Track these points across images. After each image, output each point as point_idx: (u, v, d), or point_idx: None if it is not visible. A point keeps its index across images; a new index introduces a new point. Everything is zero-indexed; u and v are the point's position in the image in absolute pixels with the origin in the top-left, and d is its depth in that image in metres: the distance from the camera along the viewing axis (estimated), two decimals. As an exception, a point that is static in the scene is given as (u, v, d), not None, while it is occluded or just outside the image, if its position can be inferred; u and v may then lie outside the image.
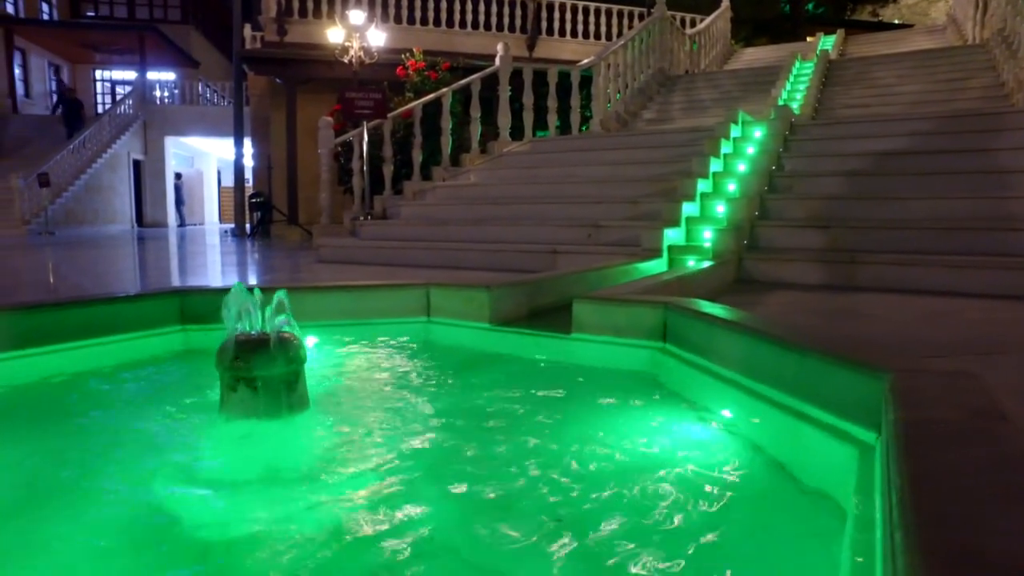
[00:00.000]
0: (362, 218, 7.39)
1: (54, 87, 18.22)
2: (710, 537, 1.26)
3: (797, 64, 9.43)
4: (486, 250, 5.47)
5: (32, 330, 2.51)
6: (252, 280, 5.55)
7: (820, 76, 8.97)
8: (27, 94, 21.40)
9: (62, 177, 16.39)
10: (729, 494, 1.42)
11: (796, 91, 8.59)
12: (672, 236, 4.65)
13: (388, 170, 7.98)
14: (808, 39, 16.46)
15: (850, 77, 9.23)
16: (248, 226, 12.93)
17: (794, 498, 1.40)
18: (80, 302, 2.81)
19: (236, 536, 1.28)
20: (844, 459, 1.36)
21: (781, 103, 7.75)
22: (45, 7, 23.14)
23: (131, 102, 20.56)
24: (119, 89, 24.40)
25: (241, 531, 1.29)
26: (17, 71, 20.64)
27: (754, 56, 14.69)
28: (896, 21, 25.36)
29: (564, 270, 3.69)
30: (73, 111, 17.64)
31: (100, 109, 22.93)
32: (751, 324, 1.82)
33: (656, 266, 4.35)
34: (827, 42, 13.21)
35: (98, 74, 25.31)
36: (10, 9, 20.84)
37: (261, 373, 1.57)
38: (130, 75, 23.34)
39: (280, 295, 1.67)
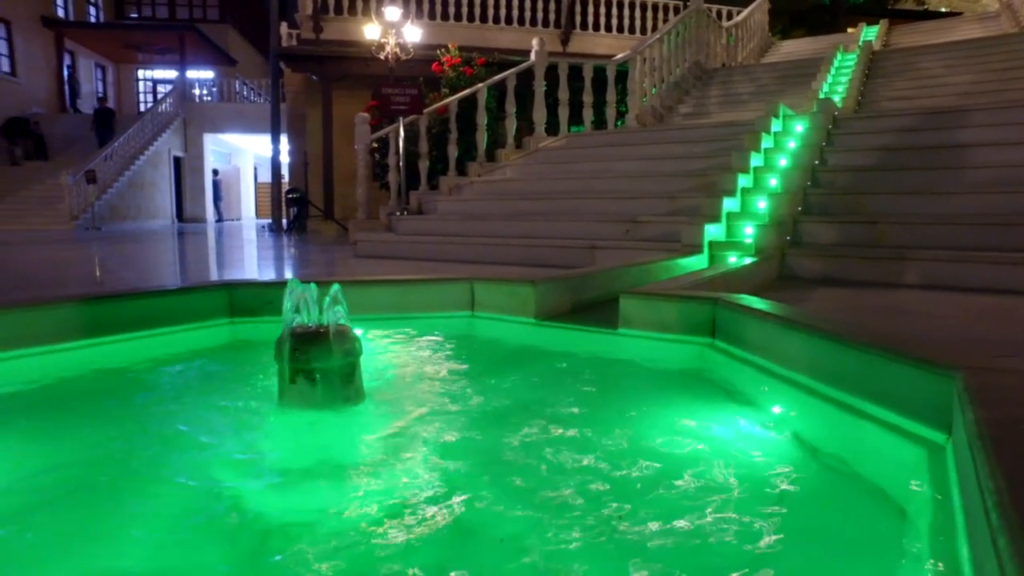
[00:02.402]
0: (398, 213, 7.46)
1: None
2: (768, 539, 1.24)
3: (839, 56, 9.22)
4: (522, 245, 5.47)
5: (91, 321, 2.58)
6: (288, 274, 5.64)
7: (863, 68, 8.75)
8: (71, 96, 22.11)
9: (107, 174, 16.87)
10: (786, 493, 1.40)
11: (838, 84, 8.40)
12: (713, 232, 4.59)
13: (424, 165, 8.04)
14: (849, 30, 16.06)
15: (894, 68, 8.99)
16: (284, 221, 13.14)
17: (855, 499, 1.37)
18: (136, 294, 2.89)
19: (297, 524, 1.29)
20: (909, 459, 1.33)
21: (822, 96, 7.59)
22: (92, 10, 23.84)
23: (171, 100, 21.05)
24: (160, 88, 25.02)
25: (302, 520, 1.31)
26: (66, 72, 21.40)
27: (792, 48, 14.40)
28: (943, 9, 24.51)
29: (606, 265, 3.68)
30: (104, 120, 17.76)
31: (142, 108, 23.54)
32: (808, 320, 1.79)
33: (697, 262, 4.31)
34: (870, 32, 12.88)
35: (140, 74, 25.99)
36: (60, 13, 21.55)
37: (319, 365, 1.60)
38: (170, 74, 23.93)
39: (335, 289, 1.70)
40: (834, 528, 1.25)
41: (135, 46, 23.04)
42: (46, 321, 2.49)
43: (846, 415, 1.53)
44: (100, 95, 18.54)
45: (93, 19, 23.77)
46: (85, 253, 7.99)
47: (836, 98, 7.66)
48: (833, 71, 8.79)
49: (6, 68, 19.13)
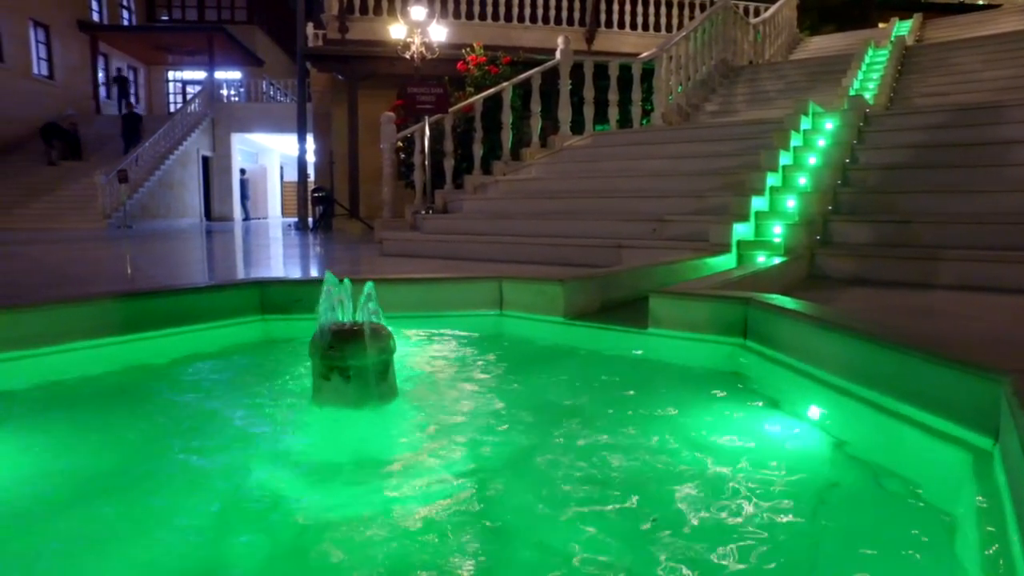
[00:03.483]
0: (423, 212, 7.49)
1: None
2: (805, 543, 1.23)
3: (870, 52, 9.04)
4: (548, 244, 5.46)
5: (128, 317, 2.63)
6: (314, 272, 5.70)
7: (895, 63, 8.57)
8: (108, 95, 22.67)
9: (138, 174, 17.21)
10: (825, 497, 1.38)
11: (869, 80, 8.25)
12: (741, 231, 4.54)
13: (449, 164, 8.07)
14: (880, 25, 15.75)
15: (928, 64, 8.79)
16: (310, 220, 13.28)
17: (894, 503, 1.35)
18: (170, 292, 2.94)
19: (333, 520, 1.30)
20: (952, 464, 1.31)
21: (853, 93, 7.46)
22: (125, 13, 24.39)
23: (200, 101, 21.41)
24: (189, 89, 25.48)
25: (336, 515, 1.32)
26: (100, 75, 21.97)
27: (821, 45, 14.17)
28: (981, 2, 23.84)
29: (634, 264, 3.66)
30: (131, 126, 17.89)
31: (172, 108, 23.98)
32: (845, 321, 1.77)
33: (725, 262, 4.26)
34: (902, 27, 12.60)
35: (170, 75, 26.47)
36: (95, 17, 22.09)
37: (354, 362, 1.62)
38: (199, 75, 24.34)
39: (369, 286, 1.72)
40: (878, 533, 1.23)
41: (165, 48, 23.51)
42: (85, 317, 2.54)
43: (885, 418, 1.51)
44: (128, 100, 18.81)
45: (126, 22, 24.29)
46: (119, 251, 8.16)
47: (867, 95, 7.52)
48: (864, 67, 8.63)
49: (44, 71, 19.66)
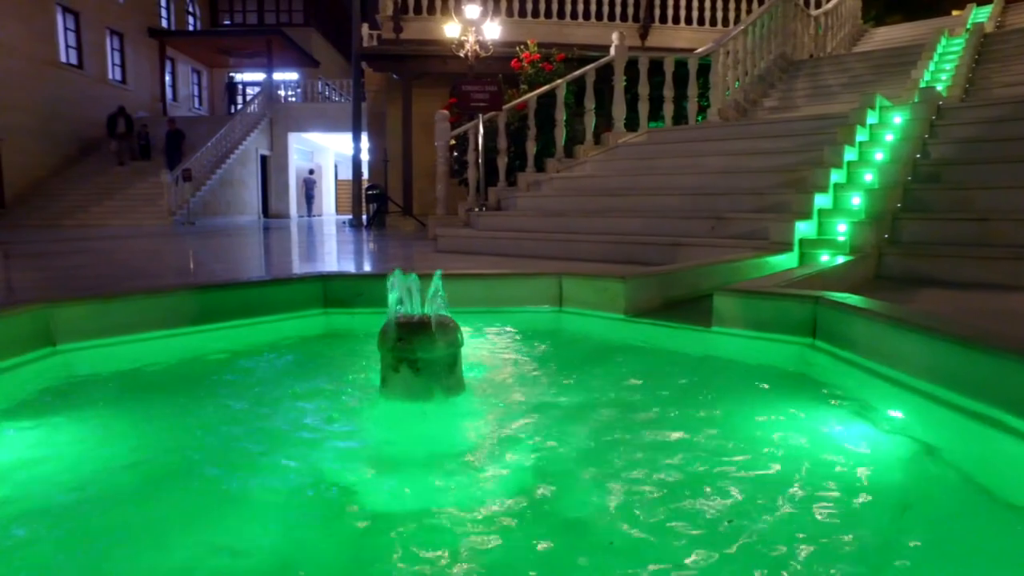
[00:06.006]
0: (477, 209, 7.54)
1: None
2: (893, 553, 1.18)
3: (943, 41, 8.62)
4: (603, 241, 5.42)
5: (199, 309, 2.73)
6: (367, 267, 5.80)
7: (972, 52, 8.14)
8: (175, 98, 23.68)
9: (201, 172, 17.89)
10: (911, 505, 1.33)
11: (941, 71, 7.88)
12: (803, 229, 4.41)
13: (502, 162, 8.09)
14: (954, 12, 14.96)
15: (1011, 51, 8.29)
16: (364, 217, 13.52)
17: (991, 513, 1.28)
18: (239, 285, 3.04)
19: (401, 512, 1.31)
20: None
21: (923, 85, 7.14)
22: (190, 19, 25.42)
23: (259, 102, 22.08)
24: (248, 90, 26.37)
25: (407, 507, 1.32)
26: (167, 78, 23.05)
27: (888, 36, 13.61)
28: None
29: (695, 262, 3.59)
30: (175, 143, 18.22)
31: (232, 110, 24.84)
32: (929, 322, 1.69)
33: (786, 260, 4.15)
34: (981, 13, 11.91)
35: (230, 76, 27.41)
36: (164, 24, 23.14)
37: (423, 355, 1.63)
38: (258, 76, 25.13)
39: (437, 281, 1.73)
40: (972, 545, 1.17)
41: (227, 51, 24.37)
42: (158, 309, 2.64)
43: (975, 423, 1.43)
44: (171, 117, 19.49)
45: (191, 28, 25.30)
46: (186, 246, 8.48)
47: (939, 87, 7.19)
48: (936, 57, 8.24)
49: (118, 76, 20.67)
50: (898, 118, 5.68)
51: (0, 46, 15.85)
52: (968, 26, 9.43)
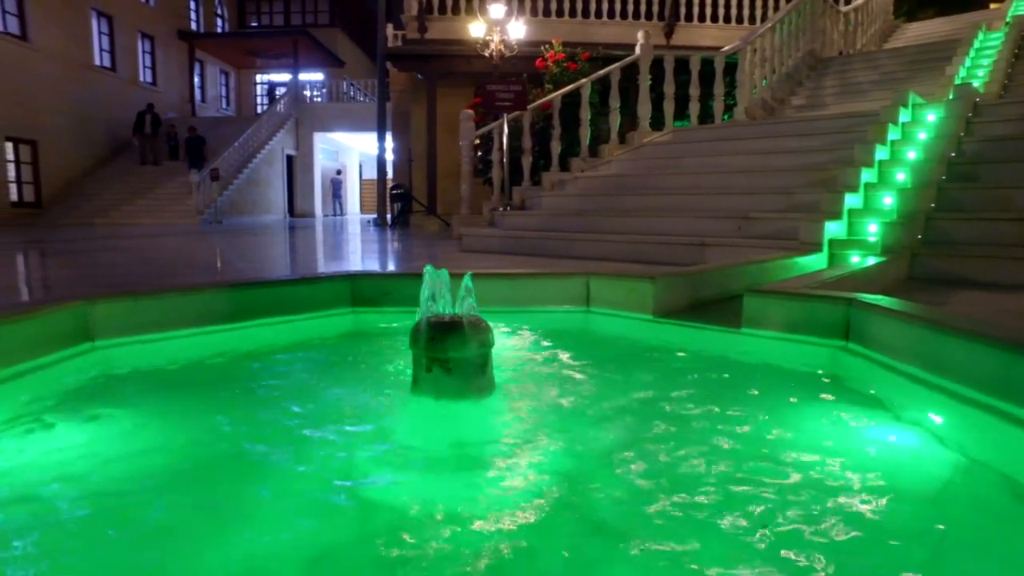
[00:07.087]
0: (501, 209, 7.55)
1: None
2: (937, 558, 1.16)
3: (980, 36, 8.40)
4: (628, 241, 5.40)
5: (229, 307, 2.76)
6: (392, 267, 5.84)
7: (1011, 47, 7.90)
8: (203, 99, 24.09)
9: (228, 171, 18.17)
10: (952, 514, 1.30)
11: (977, 67, 7.68)
12: (833, 229, 4.34)
13: (527, 161, 8.09)
14: (992, 6, 14.58)
15: (1055, 45, 8.07)
16: (389, 216, 13.62)
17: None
18: (268, 283, 3.08)
19: (434, 511, 1.30)
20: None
21: (959, 81, 6.99)
22: (219, 21, 25.85)
23: (285, 102, 22.35)
24: (277, 91, 26.74)
25: (439, 507, 1.31)
26: (196, 79, 23.48)
27: (920, 31, 13.33)
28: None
29: (723, 263, 3.56)
30: (195, 149, 18.26)
31: (259, 110, 25.20)
32: (968, 325, 1.66)
33: (816, 261, 4.09)
34: (1021, 6, 11.57)
35: (257, 77, 27.79)
36: (193, 26, 23.55)
37: (455, 355, 1.64)
38: (284, 77, 25.47)
39: (467, 280, 1.74)
40: (1010, 551, 1.15)
41: (254, 52, 24.73)
42: (190, 307, 2.68)
43: (1019, 429, 1.40)
44: (190, 124, 19.66)
45: (219, 30, 25.72)
46: (214, 245, 8.62)
47: (976, 83, 7.03)
48: (973, 53, 8.03)
49: (149, 79, 21.10)
50: (932, 115, 5.56)
51: (40, 51, 16.27)
52: (1008, 19, 9.16)
